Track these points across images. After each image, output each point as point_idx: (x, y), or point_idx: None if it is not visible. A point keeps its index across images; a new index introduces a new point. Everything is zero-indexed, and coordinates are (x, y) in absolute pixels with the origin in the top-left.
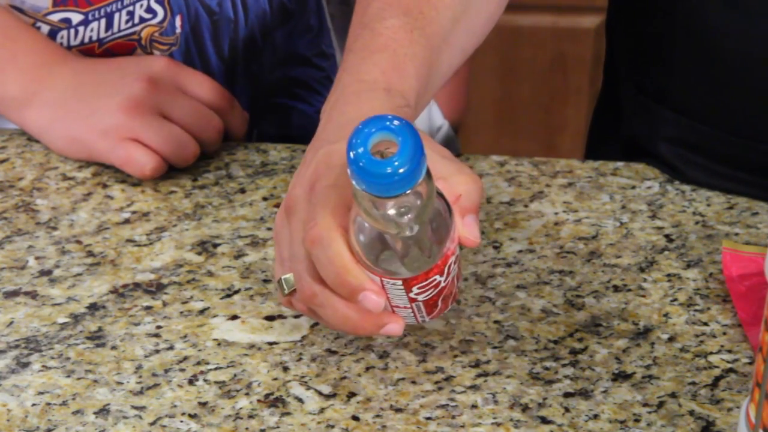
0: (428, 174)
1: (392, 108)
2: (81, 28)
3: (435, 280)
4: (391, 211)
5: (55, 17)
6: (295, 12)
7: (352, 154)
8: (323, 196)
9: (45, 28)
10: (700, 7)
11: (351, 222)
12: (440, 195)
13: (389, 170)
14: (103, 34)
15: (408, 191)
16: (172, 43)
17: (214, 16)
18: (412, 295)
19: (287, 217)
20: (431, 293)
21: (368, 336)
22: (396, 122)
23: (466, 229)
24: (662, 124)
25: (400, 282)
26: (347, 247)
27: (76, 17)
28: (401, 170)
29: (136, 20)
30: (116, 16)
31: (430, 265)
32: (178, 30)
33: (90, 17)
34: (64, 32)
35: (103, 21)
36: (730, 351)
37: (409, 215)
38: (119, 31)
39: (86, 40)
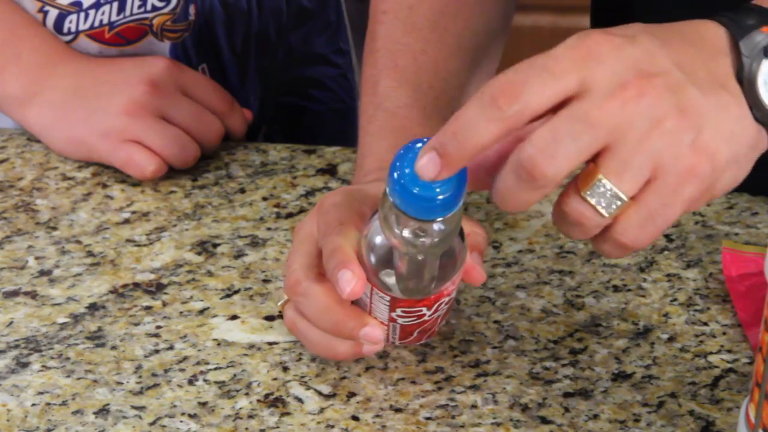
0: (461, 208)
1: None
2: (92, 11)
3: (421, 311)
4: (410, 233)
5: (65, 0)
6: (314, 10)
7: (395, 174)
8: (326, 212)
9: (54, 12)
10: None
11: (369, 223)
12: (462, 238)
13: (431, 195)
14: (114, 17)
15: (438, 219)
16: (184, 29)
17: (228, 8)
18: (394, 315)
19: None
20: (412, 321)
21: (345, 357)
22: None
23: (470, 262)
24: None
25: (388, 298)
26: (325, 291)
27: (87, 0)
28: (441, 197)
29: (149, 7)
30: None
31: (423, 295)
32: (192, 17)
33: (102, 0)
34: (73, 16)
35: (115, 4)
36: (730, 351)
37: (426, 240)
38: (131, 14)
39: (96, 23)
